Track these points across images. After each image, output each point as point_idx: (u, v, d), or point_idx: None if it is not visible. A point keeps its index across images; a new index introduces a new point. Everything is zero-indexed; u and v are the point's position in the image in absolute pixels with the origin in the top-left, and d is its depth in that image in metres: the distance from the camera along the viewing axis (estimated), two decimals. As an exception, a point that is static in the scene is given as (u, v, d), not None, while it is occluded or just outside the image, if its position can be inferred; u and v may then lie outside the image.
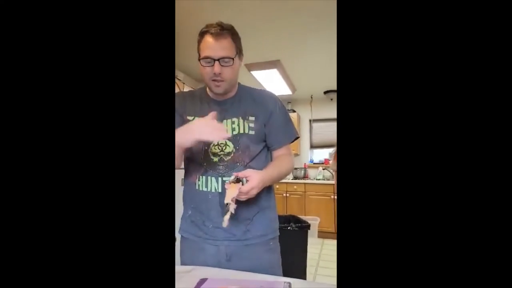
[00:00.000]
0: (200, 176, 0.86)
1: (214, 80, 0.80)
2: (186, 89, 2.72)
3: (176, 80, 2.59)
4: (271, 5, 1.78)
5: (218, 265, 0.82)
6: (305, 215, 3.33)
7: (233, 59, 0.80)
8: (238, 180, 0.75)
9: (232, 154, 0.84)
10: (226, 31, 0.78)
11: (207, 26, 0.79)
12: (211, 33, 0.78)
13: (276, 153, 0.91)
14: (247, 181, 0.75)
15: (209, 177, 0.85)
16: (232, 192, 0.73)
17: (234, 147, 0.85)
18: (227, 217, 0.74)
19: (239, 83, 0.90)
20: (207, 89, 0.88)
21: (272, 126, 0.88)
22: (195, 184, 0.87)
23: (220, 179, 0.84)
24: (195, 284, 0.67)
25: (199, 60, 0.80)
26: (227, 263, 0.83)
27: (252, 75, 2.89)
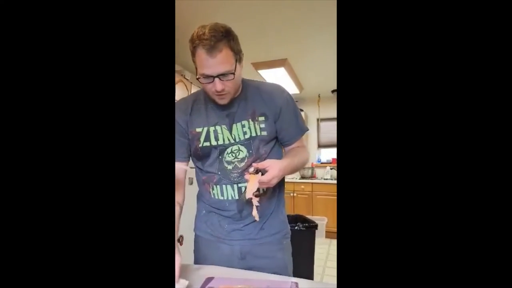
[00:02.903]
0: (214, 186, 0.83)
1: (216, 94, 0.74)
2: (194, 88, 2.72)
3: (184, 80, 2.59)
4: (278, 4, 1.76)
5: (231, 264, 0.81)
6: (312, 215, 3.31)
7: (233, 73, 0.71)
8: (257, 171, 0.72)
9: (246, 160, 0.81)
10: (221, 42, 0.68)
11: (198, 36, 0.68)
12: (205, 48, 0.67)
13: (290, 147, 0.88)
14: (266, 171, 0.72)
15: (223, 186, 0.82)
16: (252, 186, 0.70)
17: (248, 151, 0.81)
18: (255, 212, 0.73)
19: (242, 79, 0.83)
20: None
21: (283, 122, 0.83)
22: (209, 192, 0.84)
23: (235, 186, 0.81)
24: (201, 283, 0.66)
25: (197, 78, 0.73)
26: (241, 261, 0.82)
27: (259, 74, 2.89)
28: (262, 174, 0.72)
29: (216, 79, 0.71)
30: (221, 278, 0.69)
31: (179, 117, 0.82)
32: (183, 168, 0.83)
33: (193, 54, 0.71)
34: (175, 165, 0.80)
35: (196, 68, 0.73)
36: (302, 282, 0.68)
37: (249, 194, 0.70)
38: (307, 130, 0.90)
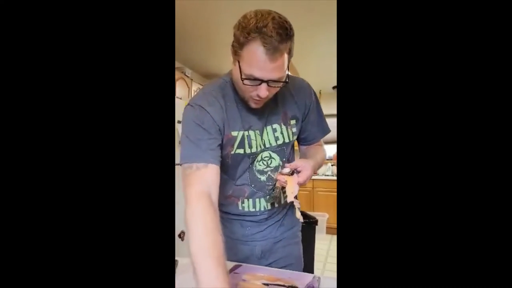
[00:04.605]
0: (245, 200, 0.74)
1: (255, 98, 0.62)
2: (194, 86, 2.72)
3: (184, 77, 2.59)
4: (278, 0, 1.76)
5: (249, 263, 0.78)
6: (313, 211, 3.32)
7: (285, 81, 0.60)
8: (292, 172, 0.68)
9: (279, 169, 0.73)
10: (285, 43, 0.54)
11: (258, 28, 0.53)
12: (266, 47, 0.53)
13: (310, 146, 0.83)
14: (298, 171, 0.68)
15: (257, 199, 0.74)
16: (292, 188, 0.66)
17: (281, 159, 0.74)
18: (299, 213, 0.69)
19: None
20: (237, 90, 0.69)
21: (308, 122, 0.77)
22: (237, 205, 0.76)
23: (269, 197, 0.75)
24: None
25: (242, 79, 0.58)
26: (259, 260, 0.79)
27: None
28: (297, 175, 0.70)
29: (264, 84, 0.58)
30: (248, 266, 0.71)
31: (216, 114, 0.65)
32: (217, 174, 0.63)
33: (242, 46, 0.56)
34: (205, 177, 0.61)
35: (239, 63, 0.58)
36: (324, 278, 0.66)
37: (291, 197, 0.66)
38: (330, 131, 0.84)
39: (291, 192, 0.66)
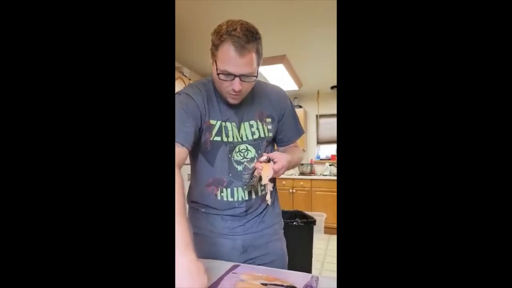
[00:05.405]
0: (224, 189, 0.82)
1: (231, 93, 0.74)
2: (192, 85, 2.71)
3: (182, 76, 2.59)
4: (276, 0, 1.76)
5: (232, 258, 0.83)
6: (311, 211, 3.33)
7: (256, 76, 0.72)
8: (269, 160, 0.77)
9: (255, 160, 0.82)
10: (251, 43, 0.67)
11: (228, 31, 0.66)
12: (235, 46, 0.66)
13: (285, 147, 0.92)
14: (274, 162, 0.77)
15: (234, 188, 0.82)
16: (267, 172, 0.75)
17: (256, 151, 0.83)
18: (268, 196, 0.79)
19: None
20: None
21: (284, 124, 0.88)
22: (216, 195, 0.83)
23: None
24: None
25: (217, 74, 0.70)
26: (242, 255, 0.84)
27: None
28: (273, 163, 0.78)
29: (237, 79, 0.70)
30: (246, 266, 0.73)
31: (199, 101, 0.77)
32: (185, 155, 0.72)
33: (217, 47, 0.69)
34: (175, 154, 0.67)
35: (216, 62, 0.71)
36: (323, 277, 0.66)
37: (265, 180, 0.75)
38: (304, 133, 0.96)
39: (266, 175, 0.75)
